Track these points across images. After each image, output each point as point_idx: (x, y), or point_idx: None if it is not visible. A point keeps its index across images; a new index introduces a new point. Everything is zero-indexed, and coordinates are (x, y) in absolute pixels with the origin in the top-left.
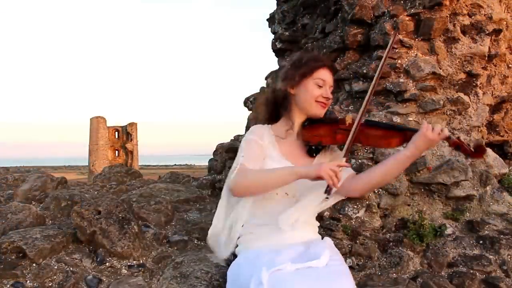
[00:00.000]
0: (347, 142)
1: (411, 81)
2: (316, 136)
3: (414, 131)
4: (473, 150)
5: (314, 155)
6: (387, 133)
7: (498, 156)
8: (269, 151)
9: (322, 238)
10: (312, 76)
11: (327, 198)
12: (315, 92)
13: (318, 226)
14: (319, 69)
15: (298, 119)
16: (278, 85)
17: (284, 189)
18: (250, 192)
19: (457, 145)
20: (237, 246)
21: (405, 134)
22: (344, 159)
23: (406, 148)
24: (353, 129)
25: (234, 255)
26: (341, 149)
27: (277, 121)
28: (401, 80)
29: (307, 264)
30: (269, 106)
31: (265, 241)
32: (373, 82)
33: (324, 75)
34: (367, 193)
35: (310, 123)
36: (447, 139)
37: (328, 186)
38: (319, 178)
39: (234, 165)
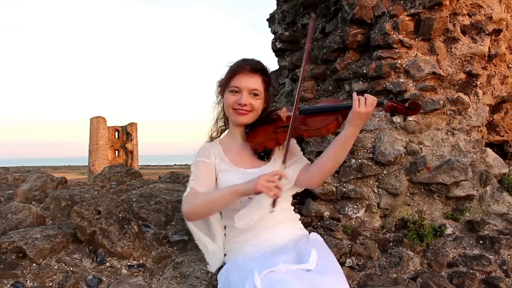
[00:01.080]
0: (286, 139)
1: (411, 81)
2: (260, 144)
3: (346, 106)
4: (407, 107)
5: (266, 159)
6: (324, 119)
7: (498, 156)
8: (220, 166)
9: (309, 233)
10: (229, 85)
11: (272, 211)
12: (230, 100)
13: (319, 226)
14: (234, 77)
15: (234, 127)
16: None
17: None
18: (201, 216)
19: (393, 109)
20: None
21: (341, 112)
22: (284, 166)
23: (344, 129)
24: (290, 125)
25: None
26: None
27: (222, 133)
28: (401, 80)
29: (299, 266)
30: (215, 118)
31: (252, 246)
32: (301, 69)
33: (239, 82)
34: (324, 180)
35: (251, 128)
36: (381, 105)
37: (273, 199)
38: (259, 192)
39: (187, 189)
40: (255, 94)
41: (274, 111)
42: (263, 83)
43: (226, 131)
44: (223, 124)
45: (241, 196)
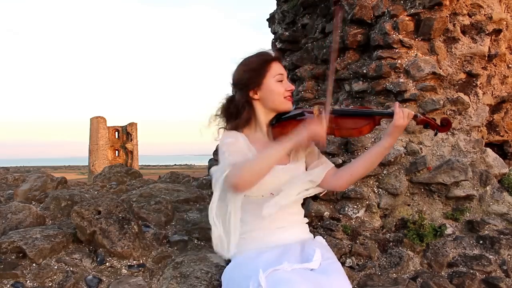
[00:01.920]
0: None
1: (411, 81)
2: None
3: (382, 114)
4: (439, 124)
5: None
6: (357, 121)
7: (498, 156)
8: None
9: (314, 237)
10: (270, 74)
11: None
12: (279, 88)
13: (319, 226)
14: (271, 64)
15: (265, 119)
16: (237, 95)
17: (269, 189)
18: (251, 179)
19: (426, 123)
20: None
21: (374, 119)
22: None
23: (384, 140)
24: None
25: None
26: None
27: (242, 128)
28: (401, 80)
29: (303, 265)
30: (239, 115)
31: (258, 244)
32: (331, 65)
33: (280, 69)
34: (351, 185)
35: (278, 120)
36: (414, 118)
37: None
38: (310, 140)
39: (220, 168)
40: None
41: (301, 108)
42: None
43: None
44: (249, 119)
45: (292, 149)
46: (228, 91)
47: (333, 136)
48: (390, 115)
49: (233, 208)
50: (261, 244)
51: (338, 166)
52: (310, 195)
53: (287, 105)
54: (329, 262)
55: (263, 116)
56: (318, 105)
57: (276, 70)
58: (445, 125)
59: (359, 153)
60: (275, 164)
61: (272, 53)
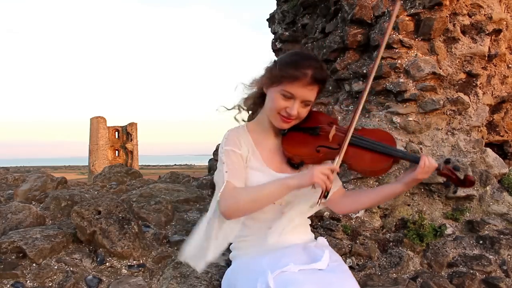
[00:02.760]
0: (336, 162)
1: (411, 81)
2: (298, 156)
3: (405, 158)
4: (462, 180)
5: (297, 167)
6: (374, 158)
7: (498, 156)
8: (251, 162)
9: (316, 238)
10: (281, 85)
11: (318, 203)
12: (279, 104)
13: (319, 226)
14: (292, 82)
15: (272, 127)
16: (257, 81)
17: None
18: (244, 214)
19: (448, 176)
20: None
21: (394, 159)
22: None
23: (399, 185)
24: (340, 153)
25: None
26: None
27: (254, 117)
28: (401, 80)
29: (310, 266)
30: (250, 97)
31: (259, 247)
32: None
33: (296, 90)
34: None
35: (289, 130)
36: (437, 169)
37: (322, 191)
38: (313, 184)
39: (219, 180)
40: (306, 105)
41: (318, 119)
42: (318, 93)
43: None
44: (254, 106)
45: (292, 191)
46: (229, 91)
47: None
48: (415, 161)
49: (227, 233)
50: (264, 246)
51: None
52: (315, 211)
53: (279, 123)
54: (337, 264)
55: (268, 122)
56: (335, 126)
57: (291, 88)
58: (465, 184)
59: None
60: (270, 203)
61: (312, 73)
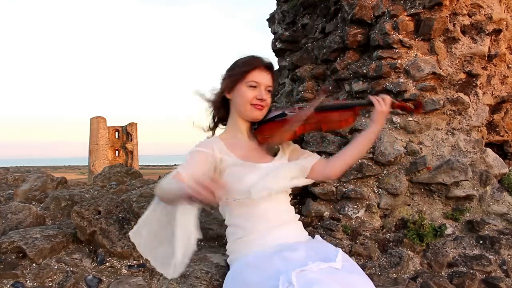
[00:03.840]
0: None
1: (411, 81)
2: (276, 136)
3: (361, 104)
4: (413, 107)
5: (274, 155)
6: (341, 114)
7: (498, 156)
8: (227, 161)
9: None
10: (245, 79)
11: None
12: (248, 95)
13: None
14: (251, 72)
15: (243, 124)
16: (217, 91)
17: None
18: (162, 200)
19: (402, 106)
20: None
21: (354, 109)
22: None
23: (371, 127)
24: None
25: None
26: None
27: (224, 129)
28: (401, 80)
29: (329, 264)
30: (214, 111)
31: (258, 246)
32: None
33: (257, 77)
34: (345, 172)
35: (260, 124)
36: (392, 103)
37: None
38: (188, 197)
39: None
40: (269, 91)
41: (280, 110)
42: (274, 81)
43: (217, 132)
44: (221, 116)
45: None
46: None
47: (321, 131)
48: (370, 104)
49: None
50: (263, 245)
51: None
52: (298, 186)
53: (254, 113)
54: (352, 264)
55: (237, 118)
56: (298, 107)
57: (253, 77)
58: (417, 107)
59: None
60: (175, 198)
61: (263, 60)
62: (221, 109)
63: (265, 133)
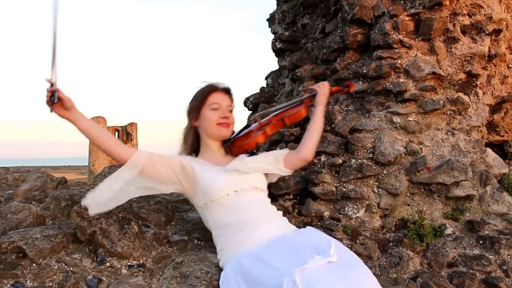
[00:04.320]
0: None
1: (411, 81)
2: (250, 142)
3: (309, 96)
4: (346, 86)
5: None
6: (294, 108)
7: (498, 156)
8: (201, 168)
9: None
10: (206, 103)
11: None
12: (213, 116)
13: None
14: (210, 95)
15: (214, 144)
16: (188, 115)
17: (233, 188)
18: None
19: (338, 90)
20: None
21: (304, 102)
22: None
23: (317, 108)
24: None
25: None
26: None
27: (197, 154)
28: (401, 80)
29: (326, 259)
30: (187, 140)
31: (248, 244)
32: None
33: (217, 99)
34: (315, 150)
35: (231, 141)
36: (330, 87)
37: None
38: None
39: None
40: (230, 111)
41: (246, 126)
42: (232, 102)
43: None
44: (195, 144)
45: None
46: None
47: (286, 126)
48: (312, 94)
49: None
50: (250, 242)
51: (338, 166)
52: (275, 172)
53: (222, 132)
54: (345, 253)
55: (211, 142)
56: (256, 115)
57: (213, 99)
58: (348, 86)
59: (359, 153)
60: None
61: (218, 85)
62: (193, 140)
63: (237, 144)
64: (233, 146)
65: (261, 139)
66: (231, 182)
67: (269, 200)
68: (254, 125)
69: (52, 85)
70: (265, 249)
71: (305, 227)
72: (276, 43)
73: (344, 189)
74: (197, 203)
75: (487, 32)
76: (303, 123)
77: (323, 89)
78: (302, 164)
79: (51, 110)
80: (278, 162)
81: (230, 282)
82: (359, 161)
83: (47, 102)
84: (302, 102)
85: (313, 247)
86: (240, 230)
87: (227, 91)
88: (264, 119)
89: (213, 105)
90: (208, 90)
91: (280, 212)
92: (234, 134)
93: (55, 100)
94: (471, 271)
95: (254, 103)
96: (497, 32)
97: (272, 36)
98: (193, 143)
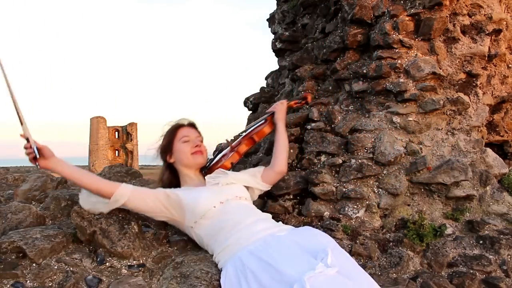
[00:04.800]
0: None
1: (411, 81)
2: (227, 162)
3: (270, 113)
4: (303, 98)
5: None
6: (260, 126)
7: (498, 156)
8: (181, 192)
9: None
10: (177, 137)
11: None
12: (185, 148)
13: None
14: (178, 130)
15: (190, 172)
16: (161, 156)
17: (218, 200)
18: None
19: (296, 103)
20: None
21: (266, 120)
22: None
23: (278, 124)
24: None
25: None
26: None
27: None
28: (401, 80)
29: (328, 270)
30: (163, 178)
31: (242, 244)
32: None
33: (185, 132)
34: (287, 164)
35: (207, 168)
36: (288, 102)
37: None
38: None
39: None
40: (200, 140)
41: (218, 151)
42: (200, 135)
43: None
44: (173, 180)
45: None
46: (228, 91)
47: (255, 143)
48: (272, 113)
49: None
50: (250, 239)
51: (338, 166)
52: (254, 187)
53: (198, 160)
54: (344, 258)
55: (188, 171)
56: (223, 143)
57: (182, 134)
58: (306, 98)
59: (359, 153)
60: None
61: (183, 122)
62: (171, 176)
63: (214, 168)
64: (210, 171)
65: (235, 158)
66: (215, 195)
67: (255, 207)
68: (226, 149)
69: (28, 140)
70: (264, 246)
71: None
72: (276, 43)
73: (344, 189)
74: (187, 224)
75: (487, 32)
76: (303, 123)
77: (280, 106)
78: (279, 177)
79: (38, 166)
80: (256, 177)
81: (233, 281)
82: (359, 161)
83: (31, 160)
84: (266, 119)
85: (310, 250)
86: (234, 230)
87: (192, 125)
88: (234, 142)
89: (183, 138)
90: (176, 127)
91: (265, 213)
92: (210, 161)
93: (37, 155)
94: (471, 271)
95: (254, 103)
96: (497, 32)
97: (272, 36)
98: (171, 180)
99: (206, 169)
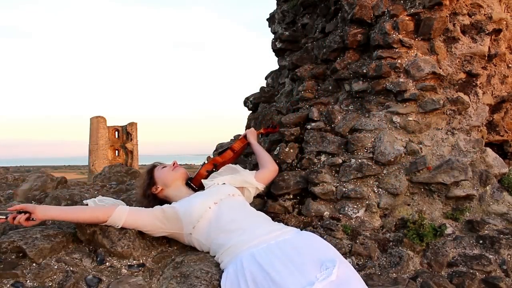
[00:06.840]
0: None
1: (411, 81)
2: (208, 173)
3: (243, 136)
4: (273, 127)
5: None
6: (236, 142)
7: (498, 156)
8: (176, 204)
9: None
10: (155, 171)
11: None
12: (167, 171)
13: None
14: (153, 169)
15: (178, 187)
16: (147, 194)
17: (212, 201)
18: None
19: (266, 131)
20: None
21: (242, 139)
22: None
23: (251, 142)
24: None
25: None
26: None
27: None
28: (401, 80)
29: (329, 279)
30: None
31: (248, 243)
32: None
33: (159, 166)
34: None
35: (193, 182)
36: (258, 131)
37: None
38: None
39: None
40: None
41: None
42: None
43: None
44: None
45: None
46: (228, 91)
47: (233, 151)
48: (245, 136)
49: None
50: (252, 242)
51: (338, 166)
52: (250, 184)
53: (179, 171)
54: (344, 266)
55: (176, 187)
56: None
57: (158, 168)
58: (276, 126)
59: (359, 153)
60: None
61: (156, 164)
62: (157, 204)
63: (197, 178)
64: (195, 181)
65: (209, 166)
66: (208, 197)
67: (252, 207)
68: (203, 166)
69: (6, 217)
70: (266, 252)
71: (305, 226)
72: (276, 43)
73: (344, 189)
74: (186, 232)
75: (487, 32)
76: (303, 123)
77: (251, 130)
78: (272, 175)
79: (34, 219)
80: (249, 177)
81: (233, 283)
82: (359, 160)
83: (25, 222)
84: (241, 138)
85: (316, 260)
86: (235, 231)
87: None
88: (217, 156)
89: (161, 165)
90: (152, 167)
91: (264, 214)
92: (195, 175)
93: (24, 215)
94: (471, 271)
95: (254, 103)
96: (497, 32)
97: (272, 36)
98: (158, 203)
99: (191, 180)
